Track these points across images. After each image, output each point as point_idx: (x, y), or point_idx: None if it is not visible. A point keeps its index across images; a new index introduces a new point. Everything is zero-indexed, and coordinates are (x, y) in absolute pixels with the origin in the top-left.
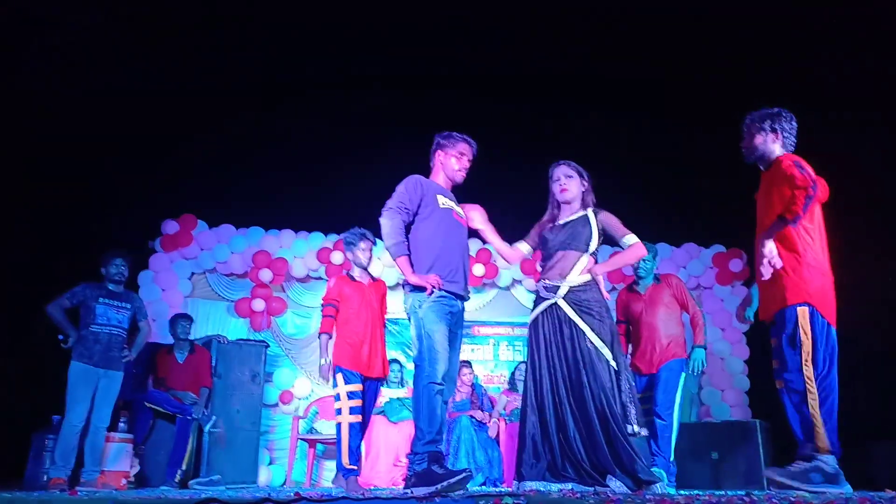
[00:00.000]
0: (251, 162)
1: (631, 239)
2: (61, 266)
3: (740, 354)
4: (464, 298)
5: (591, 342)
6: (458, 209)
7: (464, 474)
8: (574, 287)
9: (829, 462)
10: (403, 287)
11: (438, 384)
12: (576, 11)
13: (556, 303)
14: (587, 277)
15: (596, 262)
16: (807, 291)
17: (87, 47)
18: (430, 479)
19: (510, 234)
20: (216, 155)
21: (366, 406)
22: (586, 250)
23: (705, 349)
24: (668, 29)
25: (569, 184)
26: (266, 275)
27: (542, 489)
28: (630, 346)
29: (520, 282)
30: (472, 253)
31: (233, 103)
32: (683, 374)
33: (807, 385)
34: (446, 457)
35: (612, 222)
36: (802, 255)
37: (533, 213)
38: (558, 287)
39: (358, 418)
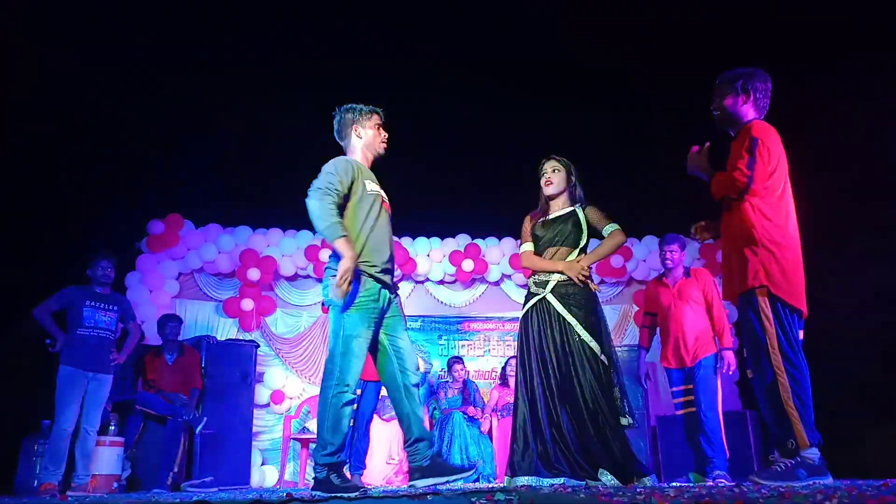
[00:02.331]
0: (237, 160)
1: (610, 227)
2: (47, 269)
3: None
4: (392, 290)
5: (580, 335)
6: (384, 194)
7: (358, 492)
8: (562, 281)
9: (812, 455)
10: (325, 272)
11: (351, 392)
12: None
13: (544, 297)
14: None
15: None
16: (764, 274)
17: (74, 47)
18: (328, 489)
19: (493, 227)
20: (202, 154)
21: (365, 407)
22: (575, 246)
23: (734, 351)
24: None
25: (554, 178)
26: (254, 274)
27: (533, 484)
28: (653, 338)
29: (509, 276)
30: (461, 248)
31: (219, 102)
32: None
33: (776, 376)
34: (445, 454)
35: (596, 215)
36: (759, 235)
37: (513, 204)
38: (547, 282)
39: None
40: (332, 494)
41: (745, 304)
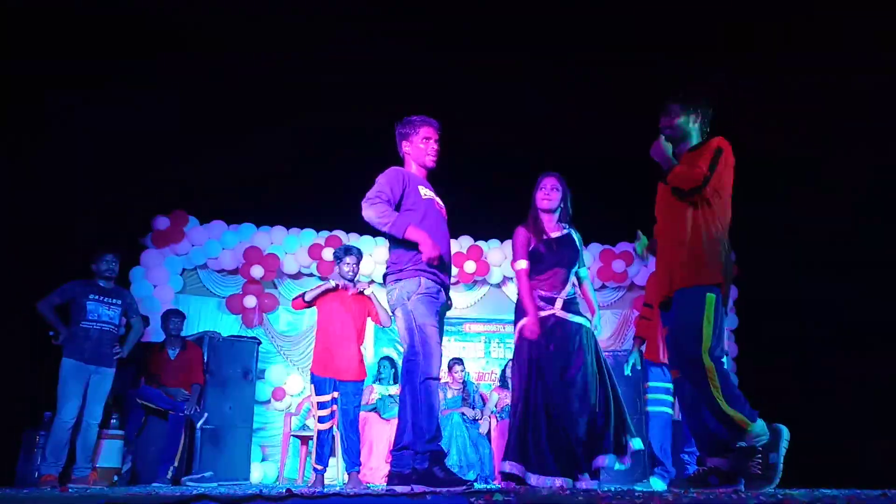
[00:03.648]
0: (243, 158)
1: (583, 272)
2: (51, 263)
3: (728, 351)
4: (448, 290)
5: (594, 336)
6: (438, 199)
7: (466, 486)
8: (566, 299)
9: (757, 431)
10: (384, 279)
11: (436, 379)
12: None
13: (553, 313)
14: (576, 290)
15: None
16: (712, 273)
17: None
18: (432, 482)
19: (495, 229)
20: (207, 151)
21: (347, 406)
22: (572, 268)
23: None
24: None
25: (552, 195)
26: (258, 271)
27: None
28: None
29: (510, 279)
30: (463, 249)
31: (225, 98)
32: None
33: (708, 377)
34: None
35: (582, 247)
36: (714, 237)
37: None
38: (554, 299)
39: (326, 426)
40: (433, 489)
41: (689, 299)
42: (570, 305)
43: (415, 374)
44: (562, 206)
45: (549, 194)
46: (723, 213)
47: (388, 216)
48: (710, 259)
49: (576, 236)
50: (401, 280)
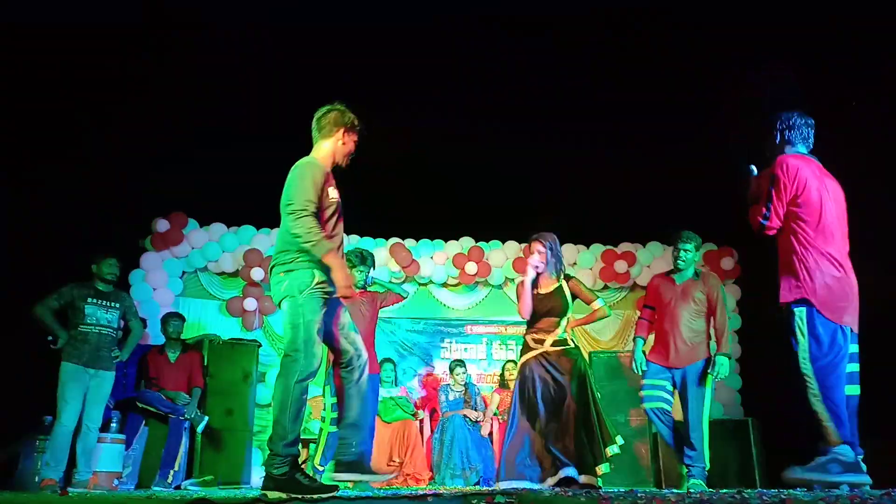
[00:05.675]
0: (243, 159)
1: (597, 304)
2: (50, 266)
3: (732, 353)
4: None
5: (581, 369)
6: (339, 199)
7: (334, 492)
8: (556, 341)
9: (845, 453)
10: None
11: (312, 377)
12: None
13: (544, 351)
14: (565, 334)
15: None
16: (804, 291)
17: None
18: (295, 488)
19: (496, 230)
20: (207, 152)
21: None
22: (563, 316)
23: (729, 358)
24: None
25: (539, 259)
26: (258, 273)
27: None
28: (651, 332)
29: (512, 280)
30: (465, 251)
31: (224, 100)
32: (710, 377)
33: (806, 382)
34: (446, 457)
35: (580, 289)
36: (800, 257)
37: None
38: (544, 340)
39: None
40: (305, 496)
41: (784, 315)
42: (559, 343)
43: (292, 372)
44: (552, 262)
45: (536, 261)
46: (810, 231)
47: (317, 234)
48: (792, 278)
49: (565, 286)
50: (293, 272)
